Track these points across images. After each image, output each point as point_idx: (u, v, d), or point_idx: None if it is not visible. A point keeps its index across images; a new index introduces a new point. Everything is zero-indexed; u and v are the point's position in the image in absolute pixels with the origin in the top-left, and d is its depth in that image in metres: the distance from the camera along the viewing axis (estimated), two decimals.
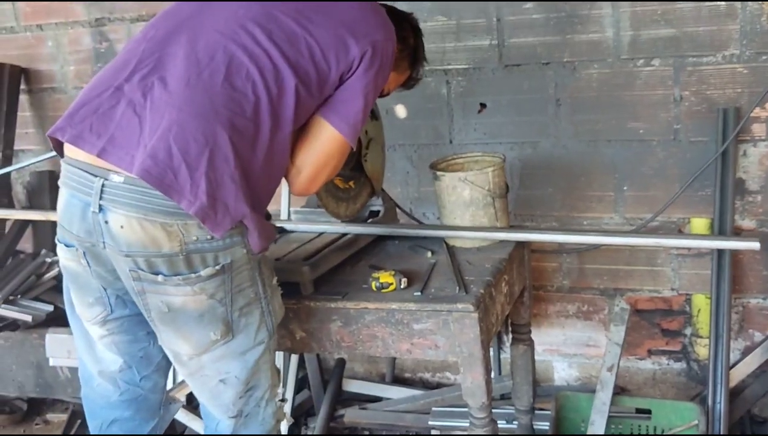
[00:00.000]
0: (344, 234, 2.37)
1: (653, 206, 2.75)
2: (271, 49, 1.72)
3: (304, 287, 2.13)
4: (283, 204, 3.12)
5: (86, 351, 1.98)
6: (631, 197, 2.80)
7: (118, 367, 1.96)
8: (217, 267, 1.69)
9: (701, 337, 2.82)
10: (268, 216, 2.29)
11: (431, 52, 2.84)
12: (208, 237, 1.67)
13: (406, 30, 2.13)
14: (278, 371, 1.97)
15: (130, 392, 1.99)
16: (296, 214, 2.52)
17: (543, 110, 2.82)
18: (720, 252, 2.66)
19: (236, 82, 1.68)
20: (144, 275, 1.69)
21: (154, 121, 1.63)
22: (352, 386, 3.32)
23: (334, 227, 2.38)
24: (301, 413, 3.24)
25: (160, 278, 1.68)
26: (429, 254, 2.34)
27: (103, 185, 1.65)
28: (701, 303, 2.80)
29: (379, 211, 2.49)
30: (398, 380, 3.35)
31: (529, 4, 2.72)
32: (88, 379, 2.02)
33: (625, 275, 2.89)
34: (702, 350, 2.84)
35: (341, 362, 3.32)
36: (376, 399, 3.27)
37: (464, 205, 2.34)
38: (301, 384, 3.29)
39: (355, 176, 2.38)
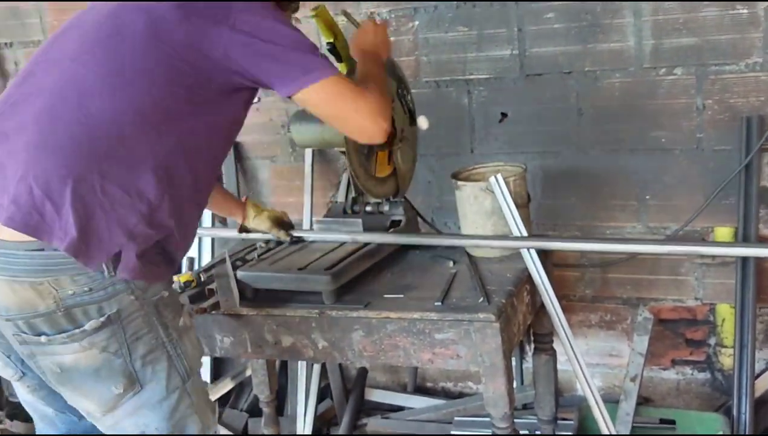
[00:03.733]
0: (366, 244, 2.39)
1: (676, 215, 2.74)
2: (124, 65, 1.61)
3: (326, 296, 2.14)
4: (305, 214, 3.14)
5: (21, 399, 1.92)
6: (654, 207, 2.79)
7: (51, 413, 1.89)
8: (102, 318, 1.60)
9: (726, 347, 2.80)
10: (290, 226, 2.29)
11: (452, 63, 2.88)
12: (86, 290, 1.58)
13: None
14: (213, 409, 1.85)
15: (75, 429, 1.91)
16: (318, 223, 2.54)
17: (565, 120, 2.81)
18: (744, 261, 2.64)
19: (91, 106, 1.58)
20: (28, 338, 1.61)
21: (14, 167, 1.56)
22: (375, 395, 3.33)
23: (356, 237, 2.40)
24: (324, 423, 3.25)
25: (43, 338, 1.60)
26: (450, 263, 2.35)
27: None
28: (725, 313, 2.78)
29: (400, 221, 2.50)
30: (420, 390, 3.34)
31: (550, 14, 2.72)
32: (35, 420, 1.94)
33: (648, 284, 2.88)
34: (726, 360, 2.81)
35: (363, 372, 3.33)
36: (398, 409, 3.27)
37: (485, 214, 2.34)
38: (323, 394, 3.30)
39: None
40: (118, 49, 1.62)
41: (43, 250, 1.56)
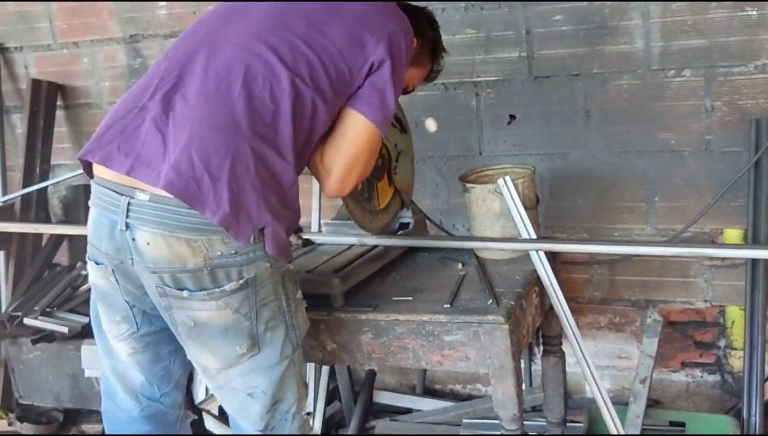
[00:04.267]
0: (374, 246, 2.39)
1: (685, 217, 2.73)
2: (286, 56, 1.74)
3: (335, 299, 2.14)
4: (314, 216, 3.14)
5: (110, 367, 2.02)
6: (663, 208, 2.78)
7: (140, 383, 2.00)
8: (241, 281, 1.71)
9: (735, 349, 2.79)
10: (299, 229, 2.32)
11: (460, 65, 2.88)
12: (232, 252, 1.69)
13: (423, 24, 2.15)
14: (306, 384, 1.98)
15: (150, 407, 2.02)
16: (327, 226, 2.54)
17: (573, 122, 2.81)
18: (754, 263, 2.63)
19: (254, 90, 1.71)
20: (170, 291, 1.72)
21: (176, 136, 1.67)
22: (383, 397, 3.32)
23: (365, 240, 2.40)
24: (332, 425, 3.25)
25: (185, 293, 1.71)
26: (459, 265, 2.35)
27: (129, 204, 1.68)
28: (735, 315, 2.77)
29: (408, 224, 2.50)
30: (429, 392, 3.34)
31: (558, 16, 2.72)
32: (112, 393, 2.05)
33: (657, 286, 2.87)
34: (736, 362, 2.80)
35: (372, 374, 3.33)
36: (407, 411, 3.26)
37: (494, 217, 2.34)
38: (332, 396, 3.30)
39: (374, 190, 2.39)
40: (284, 42, 1.77)
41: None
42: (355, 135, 1.85)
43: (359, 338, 2.12)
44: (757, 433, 2.60)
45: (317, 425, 3.10)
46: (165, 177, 1.63)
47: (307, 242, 2.48)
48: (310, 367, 3.12)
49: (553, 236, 2.86)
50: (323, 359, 2.21)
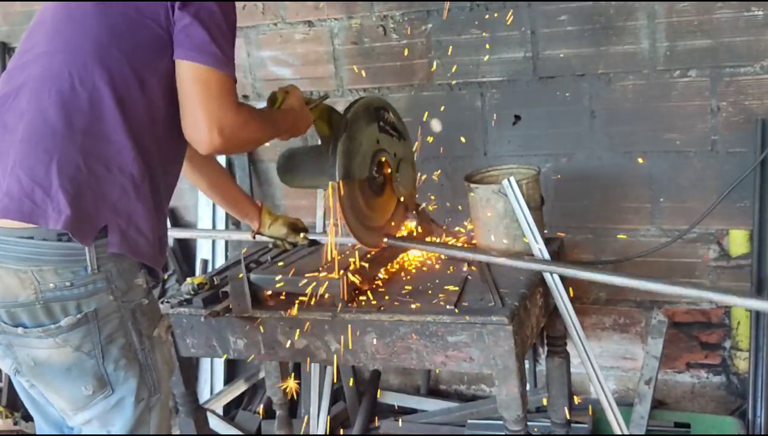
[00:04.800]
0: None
1: (690, 218, 2.72)
2: (87, 44, 1.67)
3: (339, 299, 2.14)
4: (318, 217, 3.15)
5: (29, 402, 1.91)
6: (668, 209, 2.78)
7: (52, 413, 1.88)
8: (79, 316, 1.63)
9: (741, 350, 2.78)
10: (306, 230, 2.29)
11: (465, 65, 2.88)
12: (67, 284, 1.61)
13: None
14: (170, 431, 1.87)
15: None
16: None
17: (578, 122, 2.81)
18: (759, 263, 2.62)
19: (63, 88, 1.64)
20: (8, 328, 1.65)
21: (3, 164, 1.64)
22: (388, 397, 3.33)
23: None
24: (337, 425, 3.25)
25: (20, 330, 1.63)
26: (464, 266, 2.35)
27: None
28: (740, 316, 2.76)
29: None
30: (433, 392, 3.34)
31: (563, 16, 2.72)
32: (42, 428, 1.95)
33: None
34: (742, 363, 2.80)
35: (376, 374, 3.33)
36: (411, 411, 3.27)
37: (498, 217, 2.34)
38: (336, 396, 3.30)
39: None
40: (76, 32, 1.70)
41: (32, 238, 1.60)
42: (188, 84, 1.68)
43: (363, 338, 2.12)
44: (762, 434, 2.60)
45: (321, 424, 3.11)
46: (0, 206, 1.60)
47: (313, 243, 2.48)
48: (315, 367, 3.13)
49: (556, 237, 2.83)
50: (327, 359, 2.21)
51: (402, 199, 2.43)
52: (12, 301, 1.62)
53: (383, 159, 2.33)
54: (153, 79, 1.69)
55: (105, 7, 1.70)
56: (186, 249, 3.50)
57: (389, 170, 2.36)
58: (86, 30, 1.69)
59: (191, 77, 1.67)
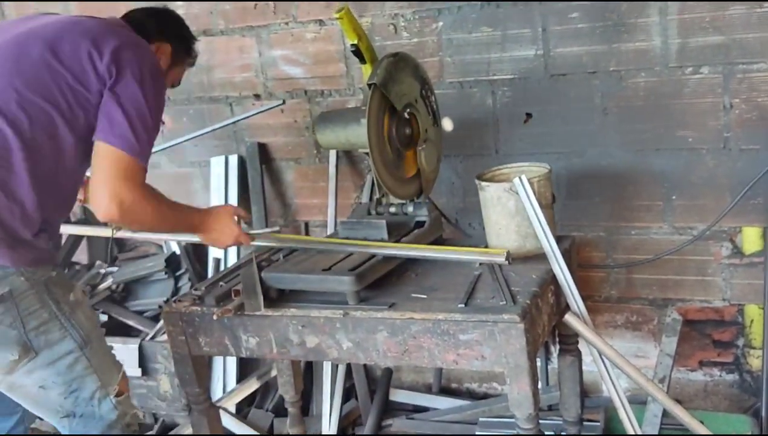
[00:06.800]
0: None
1: (703, 215, 2.72)
2: (19, 90, 1.93)
3: (351, 297, 2.15)
4: (329, 215, 3.16)
5: None
6: (681, 206, 2.77)
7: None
8: None
9: (754, 348, 2.77)
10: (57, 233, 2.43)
11: (476, 63, 2.88)
12: None
13: (171, 27, 2.36)
14: (116, 364, 2.16)
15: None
16: (342, 224, 2.55)
17: (589, 120, 2.80)
18: None
19: None
20: None
21: None
22: (399, 396, 3.33)
23: (368, 250, 2.38)
24: (349, 423, 3.26)
25: None
26: (475, 264, 2.34)
27: None
28: (754, 314, 2.75)
29: (424, 222, 2.50)
30: (445, 390, 3.35)
31: (575, 14, 2.71)
32: None
33: (675, 285, 2.85)
34: (755, 361, 2.79)
35: (388, 372, 3.34)
36: (423, 409, 3.27)
37: (510, 215, 2.34)
38: (348, 394, 3.31)
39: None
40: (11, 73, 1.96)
41: None
42: (101, 158, 1.97)
43: (375, 336, 2.12)
44: None
45: (334, 423, 3.11)
46: None
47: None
48: (327, 365, 3.13)
49: (569, 235, 2.82)
50: (339, 357, 2.21)
51: (421, 174, 2.49)
52: None
53: (416, 115, 2.41)
54: (64, 132, 1.97)
55: (50, 64, 1.96)
56: (198, 248, 3.52)
57: (418, 131, 2.42)
58: (20, 72, 1.95)
59: (104, 156, 1.96)
